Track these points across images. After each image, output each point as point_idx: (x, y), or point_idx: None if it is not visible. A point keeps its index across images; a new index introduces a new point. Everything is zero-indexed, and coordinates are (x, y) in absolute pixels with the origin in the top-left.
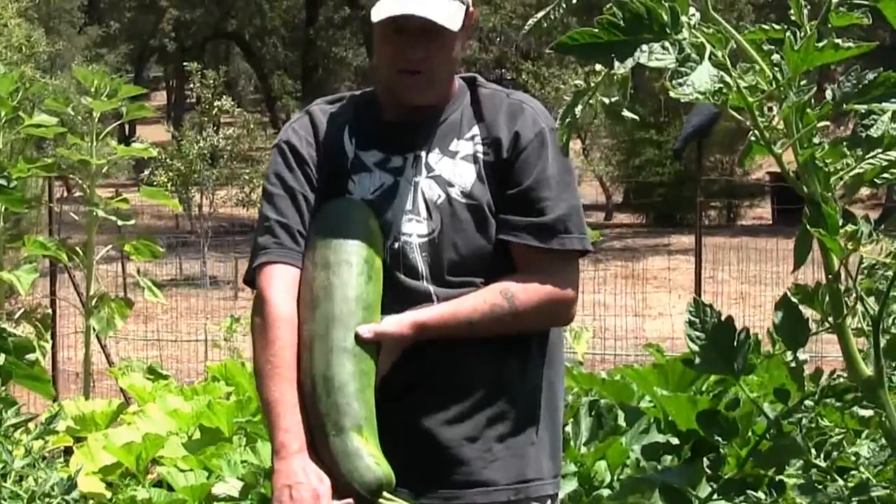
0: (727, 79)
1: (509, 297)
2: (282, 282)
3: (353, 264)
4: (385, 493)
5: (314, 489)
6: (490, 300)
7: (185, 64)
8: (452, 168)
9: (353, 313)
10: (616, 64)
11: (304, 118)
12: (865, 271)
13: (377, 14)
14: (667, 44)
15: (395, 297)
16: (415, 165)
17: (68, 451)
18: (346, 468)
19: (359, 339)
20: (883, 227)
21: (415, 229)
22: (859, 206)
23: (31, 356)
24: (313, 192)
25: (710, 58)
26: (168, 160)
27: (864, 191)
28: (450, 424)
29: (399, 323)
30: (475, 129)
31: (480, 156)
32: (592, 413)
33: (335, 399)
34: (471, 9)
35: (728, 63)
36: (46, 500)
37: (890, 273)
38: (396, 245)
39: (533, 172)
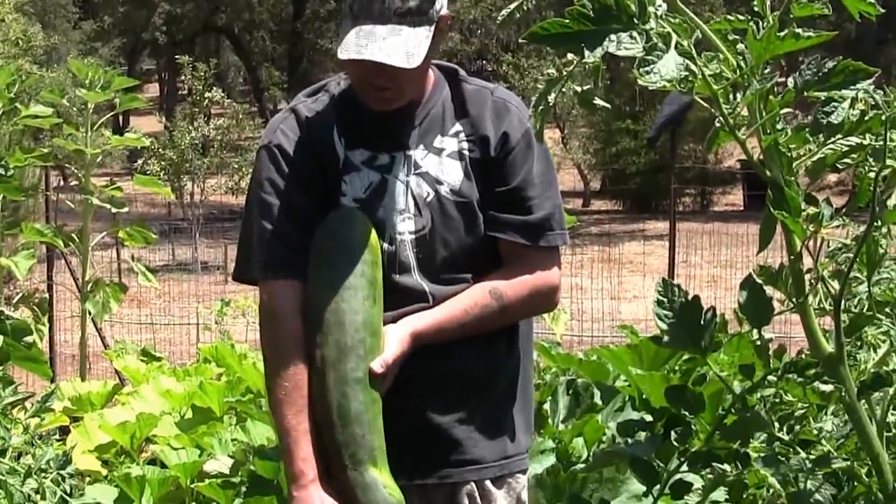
0: (692, 67)
1: (498, 296)
2: (290, 300)
3: (359, 288)
4: None
5: None
6: (480, 302)
7: (176, 57)
8: (439, 165)
9: (364, 341)
10: (586, 53)
11: (291, 118)
12: (831, 254)
13: (341, 52)
14: (634, 33)
15: (392, 296)
16: (405, 164)
17: (65, 431)
18: (364, 500)
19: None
20: (845, 211)
21: (406, 227)
22: (826, 193)
23: (28, 338)
24: (306, 194)
25: (676, 47)
26: (161, 150)
27: (832, 177)
28: (443, 410)
29: (399, 341)
30: (458, 126)
31: (466, 153)
32: (570, 392)
33: (351, 430)
34: (443, 13)
35: (693, 52)
36: (42, 475)
37: (851, 255)
38: (393, 246)
39: (520, 173)
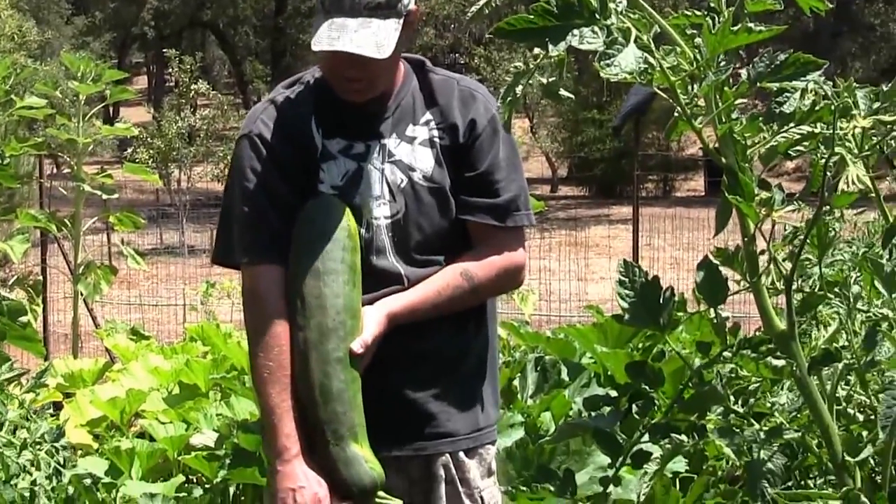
0: (651, 60)
1: (469, 277)
2: (273, 283)
3: (339, 272)
4: (379, 493)
5: (315, 493)
6: (452, 283)
7: (164, 51)
8: (412, 153)
9: (344, 323)
10: (550, 47)
11: (270, 108)
12: (786, 237)
13: (315, 45)
14: (596, 28)
15: (369, 278)
16: (380, 152)
17: (58, 406)
18: (346, 474)
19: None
20: (799, 196)
21: (381, 212)
22: (784, 179)
23: (23, 318)
24: (286, 181)
25: (635, 41)
26: (149, 139)
27: (790, 164)
28: (418, 387)
29: (377, 323)
30: (428, 115)
31: (437, 140)
32: (538, 368)
33: (333, 408)
34: (412, 7)
35: (652, 45)
36: (37, 447)
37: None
38: (370, 231)
39: (487, 158)
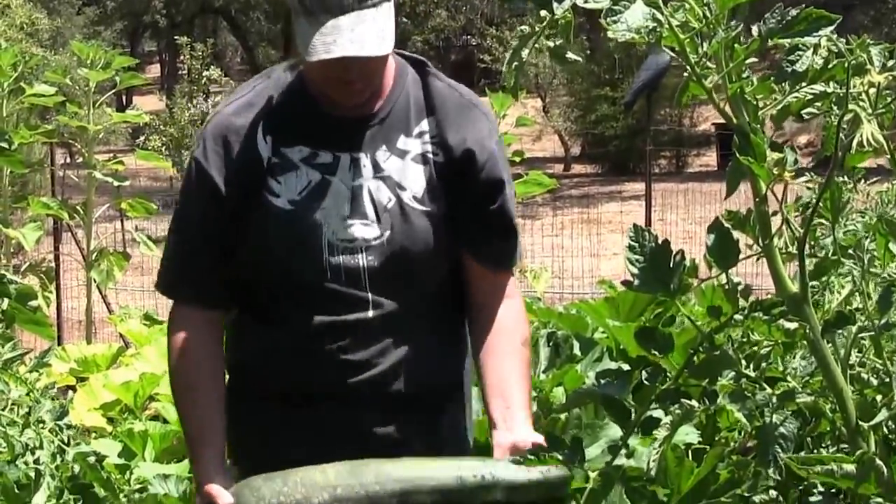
0: (659, 17)
1: (525, 340)
2: (193, 328)
3: None
4: None
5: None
6: (524, 359)
7: (175, 38)
8: (402, 169)
9: None
10: (554, 6)
11: (219, 119)
12: (798, 202)
13: (309, 55)
14: None
15: (329, 303)
16: (353, 167)
17: (73, 391)
18: None
19: None
20: (812, 166)
21: (360, 233)
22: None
23: (33, 303)
24: (223, 215)
25: None
26: (161, 126)
27: (802, 139)
28: (382, 421)
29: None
30: (424, 125)
31: (430, 156)
32: (550, 343)
33: None
34: None
35: (660, 2)
36: (40, 425)
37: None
38: (335, 254)
39: (500, 190)
